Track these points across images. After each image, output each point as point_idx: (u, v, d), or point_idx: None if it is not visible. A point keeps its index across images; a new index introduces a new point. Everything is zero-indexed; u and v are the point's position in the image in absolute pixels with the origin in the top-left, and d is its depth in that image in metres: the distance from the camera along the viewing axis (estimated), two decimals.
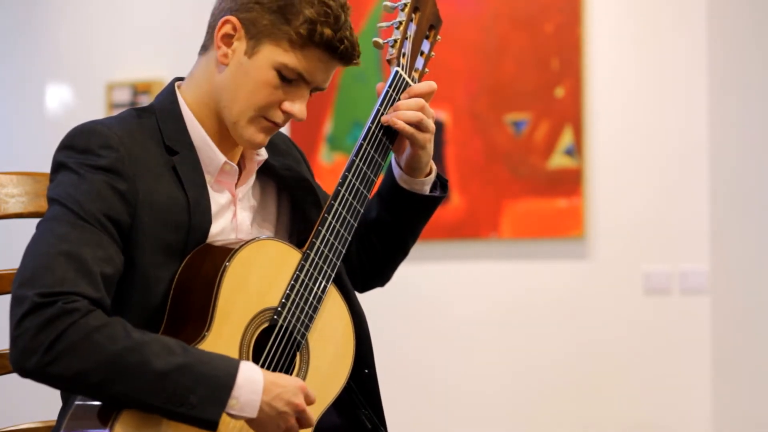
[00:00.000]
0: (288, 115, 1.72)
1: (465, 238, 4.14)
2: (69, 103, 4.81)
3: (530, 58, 4.09)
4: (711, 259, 3.88)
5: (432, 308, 4.21)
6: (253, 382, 1.55)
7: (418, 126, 1.78)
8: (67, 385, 1.53)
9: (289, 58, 1.68)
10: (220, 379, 1.52)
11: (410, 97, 1.80)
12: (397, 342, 4.16)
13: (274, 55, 1.68)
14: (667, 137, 3.96)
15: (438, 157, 4.14)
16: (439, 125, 4.17)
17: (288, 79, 1.70)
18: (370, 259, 1.96)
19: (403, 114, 1.77)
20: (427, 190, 1.89)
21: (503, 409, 4.09)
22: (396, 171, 1.89)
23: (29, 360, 1.48)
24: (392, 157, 1.88)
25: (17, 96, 4.89)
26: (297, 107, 1.71)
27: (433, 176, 1.90)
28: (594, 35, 4.04)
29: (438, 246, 4.16)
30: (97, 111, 4.63)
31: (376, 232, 1.94)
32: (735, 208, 3.88)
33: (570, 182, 4.02)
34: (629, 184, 3.99)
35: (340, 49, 1.69)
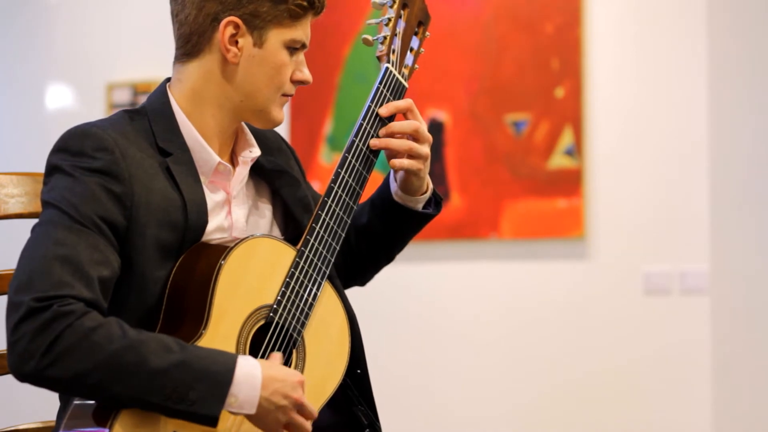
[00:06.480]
0: (298, 83, 1.78)
1: (465, 238, 4.14)
2: (69, 103, 4.81)
3: (530, 58, 4.09)
4: (711, 259, 3.88)
5: (431, 308, 4.21)
6: (251, 378, 1.55)
7: (409, 154, 1.82)
8: (66, 388, 1.52)
9: (294, 32, 1.74)
10: (219, 374, 1.53)
11: (391, 133, 1.82)
12: (396, 342, 4.16)
13: (282, 35, 1.73)
14: (667, 137, 3.96)
15: (438, 157, 4.14)
16: (439, 125, 4.17)
17: (295, 50, 1.76)
18: (355, 261, 1.98)
19: (392, 142, 1.81)
20: (420, 206, 1.91)
21: (503, 409, 4.09)
22: (392, 186, 1.90)
23: (27, 364, 1.48)
24: (391, 171, 1.91)
25: (17, 97, 4.89)
26: (306, 72, 1.78)
27: (428, 194, 1.92)
28: (594, 35, 4.04)
29: (438, 246, 4.16)
30: (97, 111, 4.62)
31: (365, 238, 1.96)
32: (735, 208, 3.88)
33: (570, 182, 4.02)
34: (629, 185, 3.99)
35: (321, 7, 1.78)
